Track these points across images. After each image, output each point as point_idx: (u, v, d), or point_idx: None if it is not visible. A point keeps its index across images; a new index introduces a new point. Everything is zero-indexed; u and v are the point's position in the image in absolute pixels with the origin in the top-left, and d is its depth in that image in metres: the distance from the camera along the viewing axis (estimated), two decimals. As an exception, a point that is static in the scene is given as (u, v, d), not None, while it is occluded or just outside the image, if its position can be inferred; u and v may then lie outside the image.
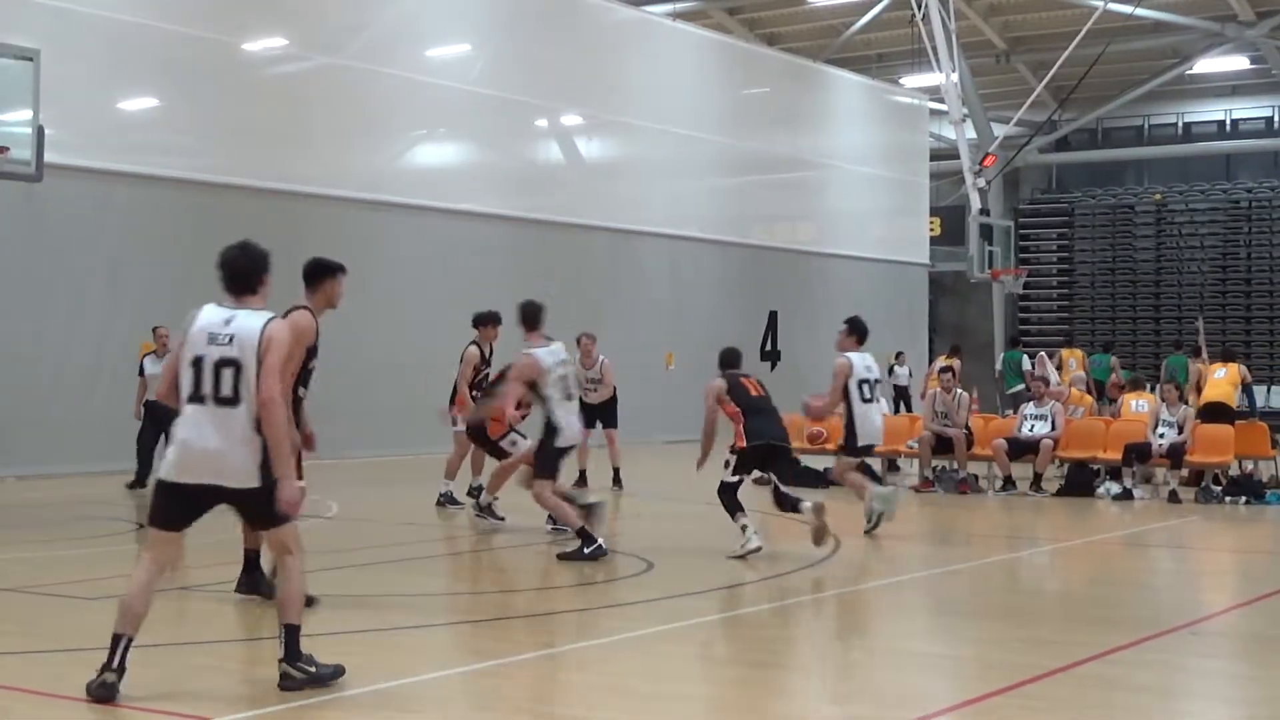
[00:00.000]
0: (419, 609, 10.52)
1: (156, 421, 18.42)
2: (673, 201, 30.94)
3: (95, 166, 20.46)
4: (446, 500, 16.43)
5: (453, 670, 8.26)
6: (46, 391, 19.69)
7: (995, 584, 12.55)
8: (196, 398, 7.44)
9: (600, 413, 18.82)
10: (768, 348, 33.06)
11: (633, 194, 29.93)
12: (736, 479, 13.34)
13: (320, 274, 10.29)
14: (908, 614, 10.86)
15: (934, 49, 34.06)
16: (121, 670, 7.22)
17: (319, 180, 23.64)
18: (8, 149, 15.96)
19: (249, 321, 7.56)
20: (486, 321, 16.16)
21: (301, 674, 7.46)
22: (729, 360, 14.12)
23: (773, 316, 33.17)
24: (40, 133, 16.48)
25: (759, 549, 12.77)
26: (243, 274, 7.76)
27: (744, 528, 12.97)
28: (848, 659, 9.13)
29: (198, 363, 7.45)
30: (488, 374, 16.02)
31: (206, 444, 7.40)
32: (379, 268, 23.86)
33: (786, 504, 13.26)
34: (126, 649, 7.27)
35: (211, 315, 7.62)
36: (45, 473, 19.07)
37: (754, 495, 14.66)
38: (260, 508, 7.54)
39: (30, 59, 16.44)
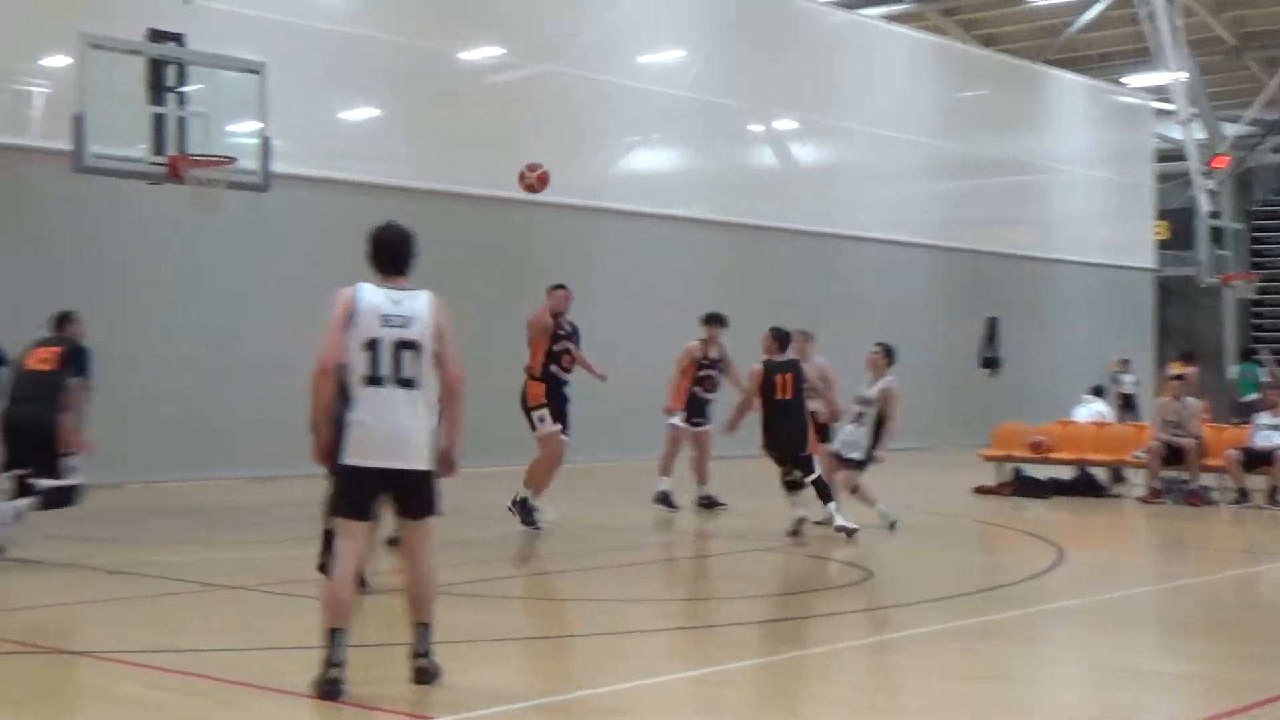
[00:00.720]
0: (639, 614, 10.48)
1: None
2: (887, 206, 30.58)
3: (318, 175, 20.91)
4: (661, 500, 16.45)
5: (674, 676, 8.19)
6: (274, 395, 20.09)
7: (1228, 599, 12.08)
8: (375, 380, 7.42)
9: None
10: (988, 354, 32.44)
11: (846, 198, 29.65)
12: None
13: None
14: (1134, 628, 10.50)
15: (1160, 46, 33.15)
16: (343, 664, 7.29)
17: (535, 187, 23.85)
18: (235, 159, 16.34)
19: (418, 302, 7.60)
20: (712, 321, 16.93)
21: (435, 669, 7.51)
22: (784, 343, 14.87)
23: (992, 323, 32.56)
24: (266, 143, 16.85)
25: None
26: (398, 256, 7.74)
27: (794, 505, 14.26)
28: (1071, 674, 8.84)
29: (373, 345, 7.43)
30: (711, 373, 16.73)
31: (394, 426, 7.40)
32: (593, 272, 24.02)
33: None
34: (343, 642, 7.31)
35: (376, 297, 7.59)
36: (275, 474, 19.49)
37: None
38: (425, 493, 7.57)
39: (256, 72, 16.81)
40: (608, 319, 23.93)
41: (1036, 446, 20.09)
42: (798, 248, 28.32)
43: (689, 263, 25.75)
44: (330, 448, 7.52)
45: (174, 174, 15.99)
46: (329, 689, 7.24)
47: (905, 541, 14.42)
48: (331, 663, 7.27)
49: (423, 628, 7.50)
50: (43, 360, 12.33)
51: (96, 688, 7.58)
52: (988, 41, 39.39)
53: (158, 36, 16.27)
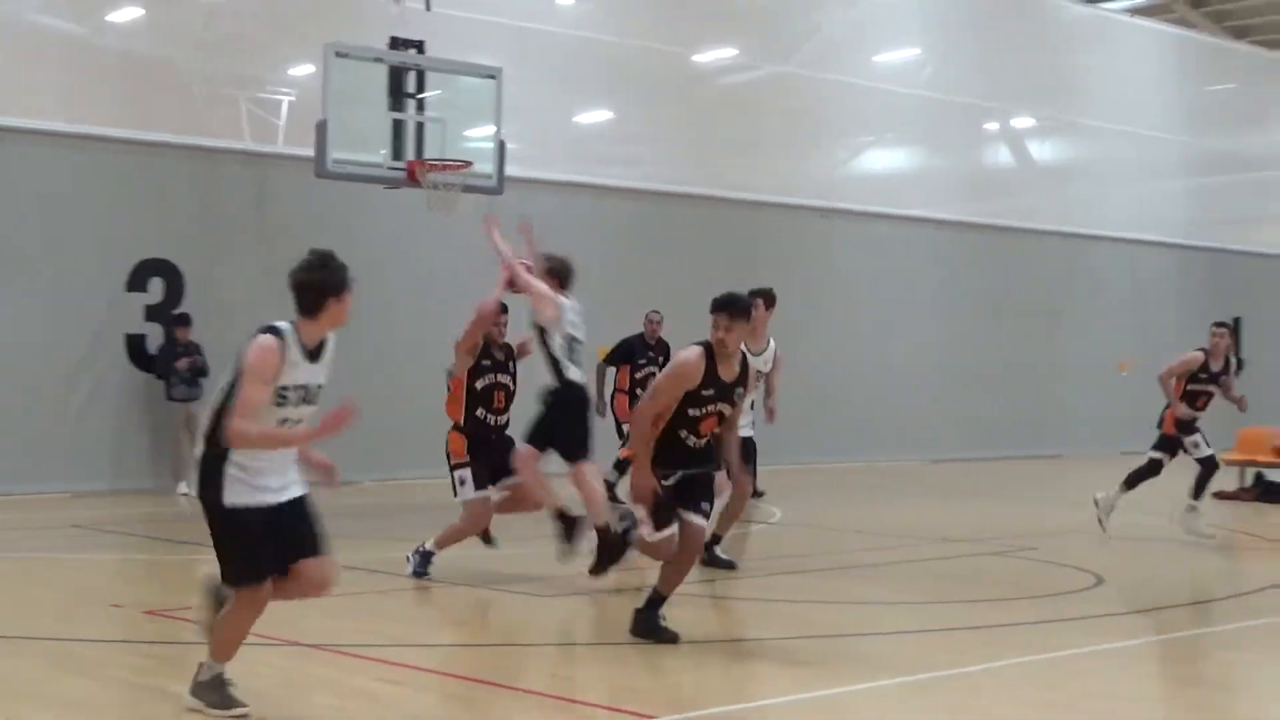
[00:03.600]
0: (861, 616, 10.41)
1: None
2: (1131, 204, 29.86)
3: (553, 178, 21.21)
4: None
5: (891, 680, 8.12)
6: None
7: None
8: None
9: None
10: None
11: (1088, 197, 29.03)
12: None
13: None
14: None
15: None
16: None
17: (769, 188, 23.88)
18: (471, 163, 16.68)
19: None
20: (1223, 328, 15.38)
21: None
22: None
23: (1236, 323, 31.55)
24: (501, 147, 17.17)
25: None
26: None
27: None
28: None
29: None
30: (1209, 389, 14.73)
31: None
32: (829, 274, 23.95)
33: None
34: None
35: None
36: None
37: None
38: None
39: (493, 77, 17.15)
40: (838, 320, 23.88)
41: (1282, 450, 19.44)
42: (1038, 248, 27.84)
43: (924, 263, 25.51)
44: None
45: (411, 178, 16.40)
46: None
47: (1139, 546, 14.07)
48: None
49: None
50: None
51: (330, 680, 7.81)
52: (1239, 34, 38.14)
53: (399, 44, 16.71)
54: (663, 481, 8.66)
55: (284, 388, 6.69)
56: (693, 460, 8.77)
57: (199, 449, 6.78)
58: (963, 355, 24.36)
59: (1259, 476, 19.46)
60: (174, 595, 10.89)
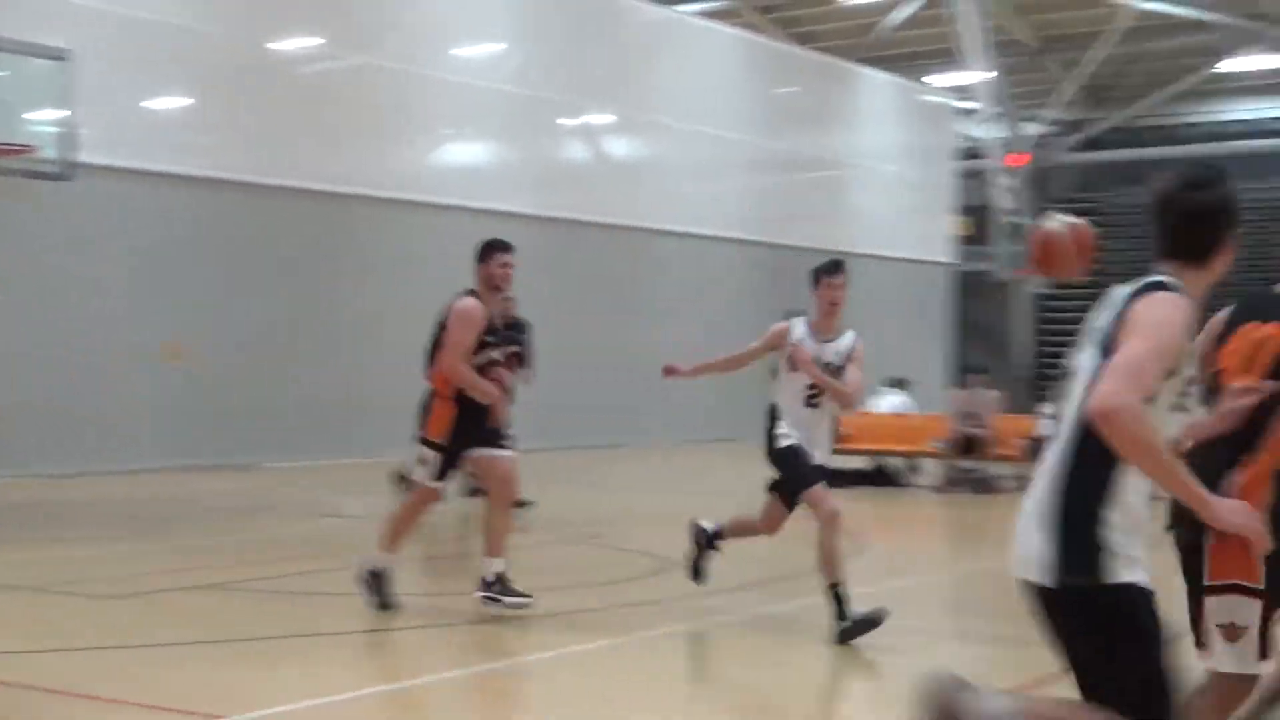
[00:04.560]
0: (449, 606, 10.54)
1: None
2: (700, 201, 30.93)
3: (124, 165, 20.56)
4: None
5: (469, 670, 8.28)
6: (62, 387, 19.79)
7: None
8: None
9: None
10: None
11: (660, 193, 29.92)
12: None
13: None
14: (920, 614, 10.84)
15: (965, 48, 33.97)
16: None
17: (348, 179, 23.71)
18: (36, 148, 16.08)
19: None
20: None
21: None
22: None
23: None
24: (69, 132, 16.59)
25: None
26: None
27: None
28: (845, 660, 9.14)
29: None
30: None
31: None
32: (408, 267, 23.98)
33: None
34: None
35: None
36: (74, 471, 19.15)
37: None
38: None
39: (62, 58, 16.55)
40: (425, 315, 23.95)
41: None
42: (610, 242, 28.56)
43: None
44: None
45: (-30, 162, 15.71)
46: None
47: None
48: None
49: None
50: None
51: None
52: (804, 40, 39.95)
53: (-44, 21, 15.96)
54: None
55: None
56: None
57: (1056, 502, 4.12)
58: (542, 346, 24.86)
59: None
60: None
